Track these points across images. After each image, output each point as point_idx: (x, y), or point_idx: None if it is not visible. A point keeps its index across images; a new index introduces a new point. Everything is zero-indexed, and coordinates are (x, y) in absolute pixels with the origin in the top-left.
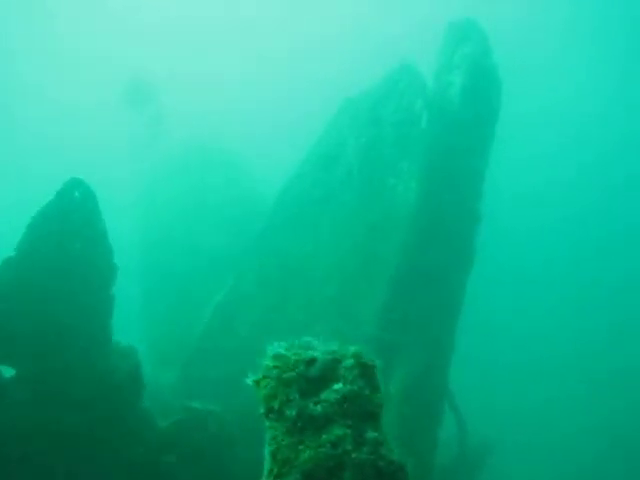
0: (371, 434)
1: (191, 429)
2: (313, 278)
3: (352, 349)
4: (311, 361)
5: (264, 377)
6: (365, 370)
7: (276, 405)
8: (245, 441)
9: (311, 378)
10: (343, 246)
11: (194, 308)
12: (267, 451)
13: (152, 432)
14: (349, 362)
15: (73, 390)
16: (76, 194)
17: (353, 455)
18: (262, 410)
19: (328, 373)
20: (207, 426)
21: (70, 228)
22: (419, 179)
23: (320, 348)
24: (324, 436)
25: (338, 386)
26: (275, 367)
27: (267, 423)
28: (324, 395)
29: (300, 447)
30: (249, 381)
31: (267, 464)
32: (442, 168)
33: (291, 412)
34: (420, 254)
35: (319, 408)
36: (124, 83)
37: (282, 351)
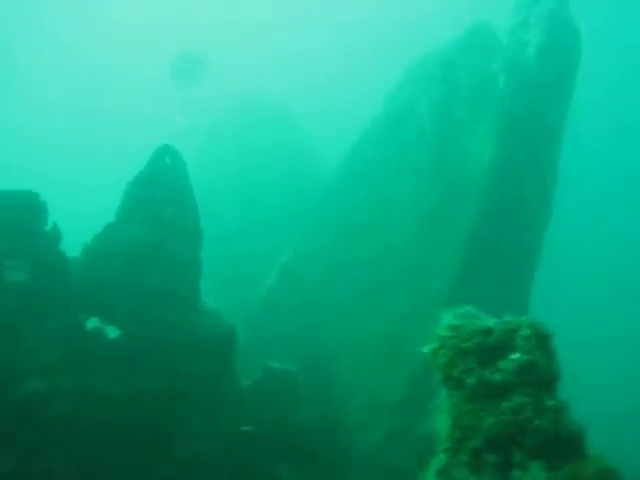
0: (550, 402)
1: (271, 388)
2: (383, 238)
3: (526, 319)
4: (488, 331)
5: (441, 347)
6: (541, 340)
7: (455, 374)
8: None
9: (488, 347)
10: (415, 206)
11: (255, 267)
12: (444, 417)
13: (237, 391)
14: (525, 332)
15: (170, 348)
16: (167, 160)
17: (535, 422)
18: (439, 377)
19: (504, 342)
20: (285, 385)
21: (163, 194)
22: (495, 141)
23: (488, 318)
24: (505, 404)
25: (515, 355)
26: (452, 337)
27: (445, 391)
28: (502, 364)
29: (481, 414)
30: (425, 350)
31: (445, 429)
32: (519, 129)
33: (471, 380)
34: (495, 215)
35: (498, 376)
36: (173, 56)
37: (457, 321)
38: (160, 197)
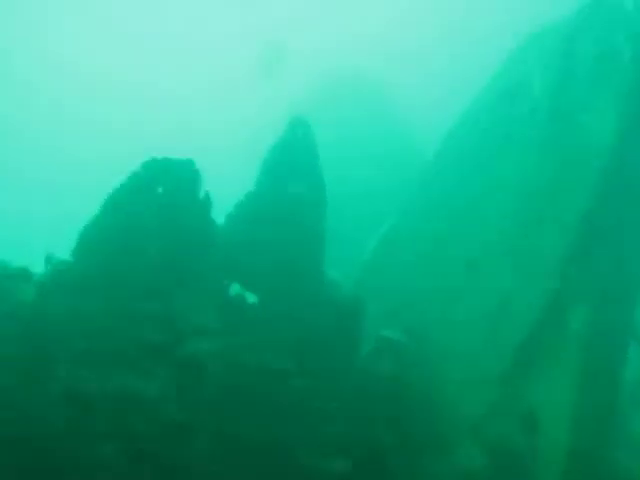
0: None
1: (387, 357)
2: (486, 215)
3: None
4: None
5: None
6: None
7: None
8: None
9: None
10: (527, 183)
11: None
12: None
13: (358, 358)
14: None
15: (300, 317)
16: (299, 132)
17: None
18: None
19: None
20: (400, 355)
21: (294, 167)
22: (618, 117)
23: None
24: None
25: None
26: None
27: None
28: None
29: None
30: None
31: None
32: None
33: None
34: (613, 197)
35: None
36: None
37: None
38: (291, 171)
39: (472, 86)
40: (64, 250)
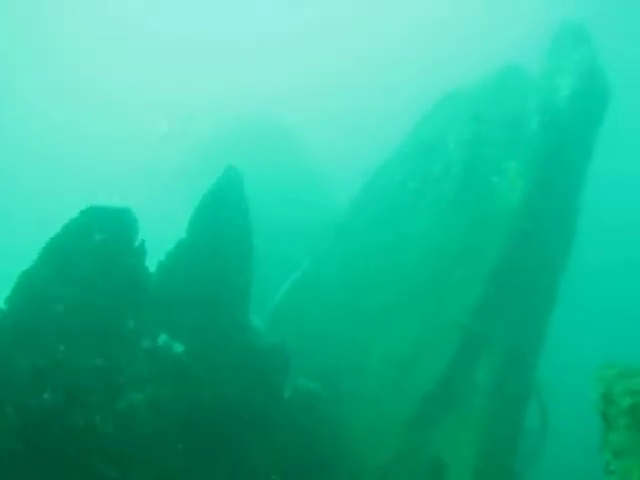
0: None
1: (302, 408)
2: (401, 266)
3: None
4: None
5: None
6: None
7: None
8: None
9: None
10: (438, 238)
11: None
12: None
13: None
14: None
15: (223, 367)
16: (231, 183)
17: None
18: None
19: None
20: (316, 407)
21: (224, 218)
22: (526, 180)
23: None
24: None
25: None
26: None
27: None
28: None
29: None
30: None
31: None
32: (548, 170)
33: None
34: (520, 252)
35: None
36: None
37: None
38: (222, 220)
39: (393, 138)
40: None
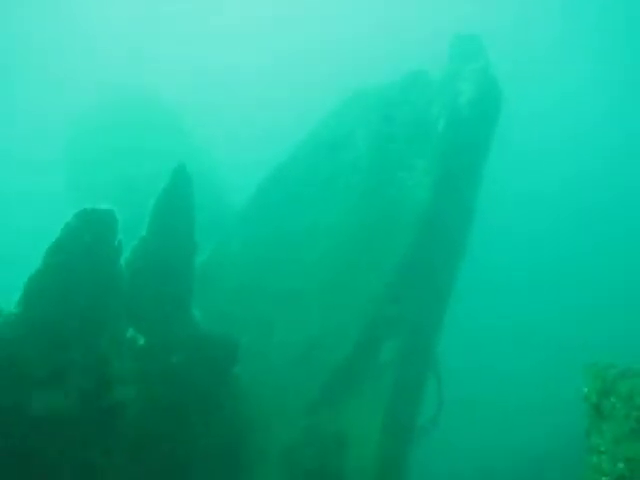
0: None
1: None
2: (309, 253)
3: None
4: None
5: None
6: None
7: None
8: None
9: None
10: (347, 227)
11: None
12: None
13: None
14: None
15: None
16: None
17: None
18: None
19: None
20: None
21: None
22: (433, 177)
23: None
24: None
25: None
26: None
27: None
28: None
29: None
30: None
31: None
32: (452, 167)
33: None
34: (425, 242)
35: None
36: None
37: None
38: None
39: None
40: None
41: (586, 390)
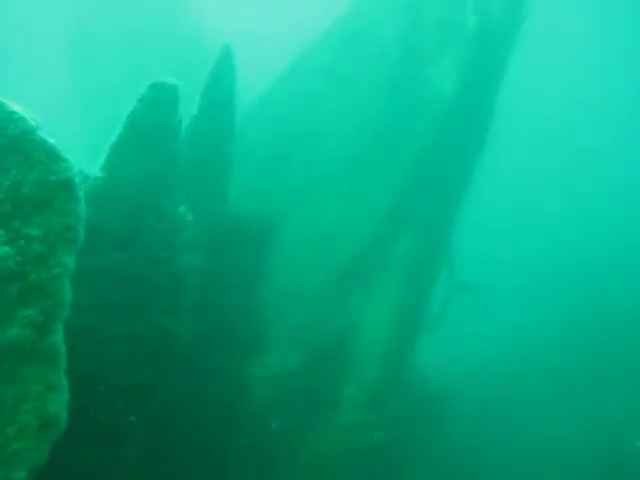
0: None
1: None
2: (329, 145)
3: None
4: None
5: None
6: None
7: None
8: None
9: None
10: (369, 120)
11: None
12: None
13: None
14: None
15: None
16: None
17: None
18: None
19: None
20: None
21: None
22: (459, 75)
23: None
24: None
25: None
26: None
27: None
28: None
29: None
30: None
31: None
32: (479, 66)
33: None
34: (446, 139)
35: None
36: None
37: None
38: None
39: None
40: None
41: None
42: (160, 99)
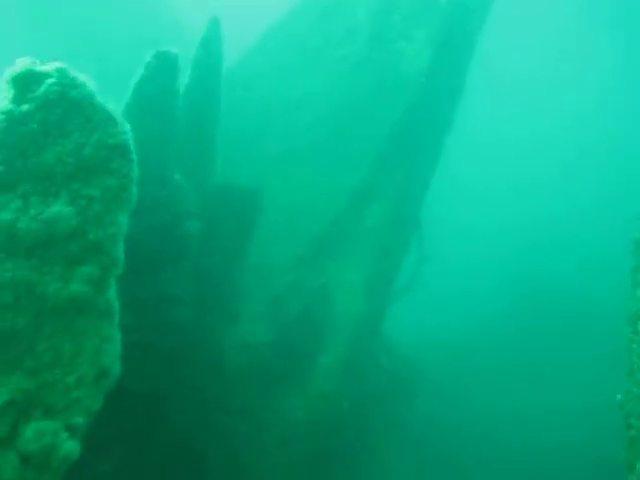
0: None
1: None
2: (302, 117)
3: None
4: None
5: None
6: None
7: None
8: None
9: None
10: (342, 95)
11: None
12: None
13: None
14: None
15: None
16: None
17: None
18: None
19: None
20: None
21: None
22: (431, 50)
23: None
24: None
25: None
26: None
27: None
28: None
29: None
30: None
31: None
32: (452, 45)
33: None
34: (418, 113)
35: None
36: None
37: None
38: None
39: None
40: None
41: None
42: (163, 67)
